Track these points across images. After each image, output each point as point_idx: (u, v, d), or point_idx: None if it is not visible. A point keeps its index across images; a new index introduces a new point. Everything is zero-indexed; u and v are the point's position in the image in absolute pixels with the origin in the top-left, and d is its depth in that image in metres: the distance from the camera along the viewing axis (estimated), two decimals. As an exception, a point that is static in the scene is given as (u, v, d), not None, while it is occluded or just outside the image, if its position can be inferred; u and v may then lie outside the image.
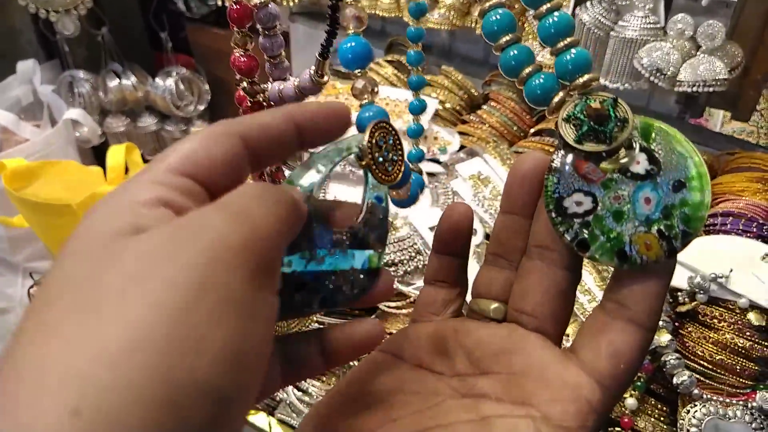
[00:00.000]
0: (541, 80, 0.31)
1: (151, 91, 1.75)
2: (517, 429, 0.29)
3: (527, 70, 0.31)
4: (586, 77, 0.30)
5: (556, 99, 0.31)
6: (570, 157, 0.30)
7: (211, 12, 2.00)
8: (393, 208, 1.06)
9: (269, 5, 0.43)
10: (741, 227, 1.01)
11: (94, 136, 1.77)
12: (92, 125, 1.75)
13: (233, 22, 0.43)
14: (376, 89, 0.38)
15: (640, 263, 0.29)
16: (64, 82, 1.78)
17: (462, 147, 1.20)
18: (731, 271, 0.90)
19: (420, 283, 0.98)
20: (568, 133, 0.30)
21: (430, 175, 1.15)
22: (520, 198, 0.32)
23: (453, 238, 0.36)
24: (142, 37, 1.91)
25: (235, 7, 0.43)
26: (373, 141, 0.32)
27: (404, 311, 0.97)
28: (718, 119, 1.39)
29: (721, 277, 0.90)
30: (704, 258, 0.93)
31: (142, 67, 1.80)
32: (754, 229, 1.00)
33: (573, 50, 0.30)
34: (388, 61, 1.38)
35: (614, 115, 0.29)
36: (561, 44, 0.30)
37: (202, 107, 1.81)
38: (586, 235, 0.30)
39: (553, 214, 0.30)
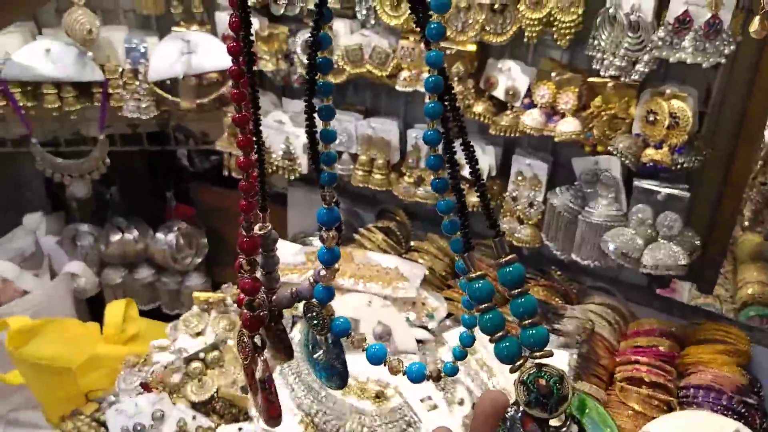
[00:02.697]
0: (507, 345, 0.39)
1: (151, 245, 1.84)
2: None
3: (499, 333, 0.38)
4: (541, 353, 0.38)
5: (518, 363, 0.38)
6: (520, 414, 0.37)
7: (212, 167, 2.15)
8: (382, 376, 1.10)
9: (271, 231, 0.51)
10: (711, 399, 1.07)
11: (92, 287, 1.83)
12: (91, 278, 1.81)
13: (243, 252, 0.47)
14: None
15: None
16: (68, 234, 1.87)
17: (449, 314, 1.28)
18: (706, 449, 0.95)
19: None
20: (521, 395, 0.36)
21: (419, 342, 1.22)
22: None
23: None
24: (146, 192, 2.05)
25: (245, 239, 0.50)
26: None
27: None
28: (685, 288, 1.50)
29: (696, 456, 0.94)
30: (680, 433, 0.99)
31: (144, 218, 1.91)
32: (724, 402, 1.06)
33: (534, 329, 0.37)
34: (379, 228, 1.49)
35: (556, 391, 0.36)
36: (526, 322, 0.38)
37: (199, 260, 1.89)
38: None
39: None
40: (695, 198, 1.16)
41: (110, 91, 1.54)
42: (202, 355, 1.16)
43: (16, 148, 1.73)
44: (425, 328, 1.25)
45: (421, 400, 1.06)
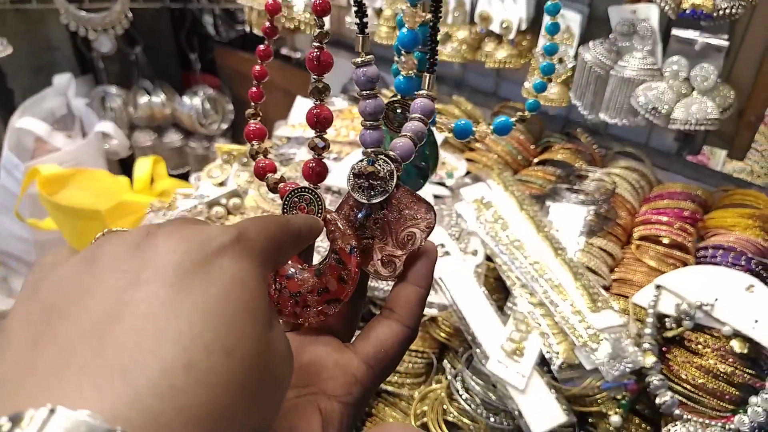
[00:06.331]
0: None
1: (179, 109, 1.85)
2: (298, 406, 0.34)
3: None
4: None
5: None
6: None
7: (238, 36, 2.10)
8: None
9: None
10: (731, 260, 1.05)
11: (123, 149, 1.86)
12: (122, 138, 1.84)
13: (257, 176, 0.42)
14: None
15: None
16: (96, 97, 1.88)
17: (468, 173, 1.27)
18: (716, 299, 0.95)
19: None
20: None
21: (437, 197, 1.22)
22: None
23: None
24: (172, 56, 2.02)
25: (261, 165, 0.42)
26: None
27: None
28: (720, 158, 1.44)
29: (706, 305, 0.94)
30: (691, 286, 0.98)
31: (170, 85, 1.91)
32: (743, 263, 1.05)
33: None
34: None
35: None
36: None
37: (225, 126, 1.90)
38: None
39: None
40: (737, 53, 1.08)
41: (129, -62, 1.49)
42: (223, 201, 1.19)
43: (40, 4, 1.71)
44: (443, 185, 1.25)
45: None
